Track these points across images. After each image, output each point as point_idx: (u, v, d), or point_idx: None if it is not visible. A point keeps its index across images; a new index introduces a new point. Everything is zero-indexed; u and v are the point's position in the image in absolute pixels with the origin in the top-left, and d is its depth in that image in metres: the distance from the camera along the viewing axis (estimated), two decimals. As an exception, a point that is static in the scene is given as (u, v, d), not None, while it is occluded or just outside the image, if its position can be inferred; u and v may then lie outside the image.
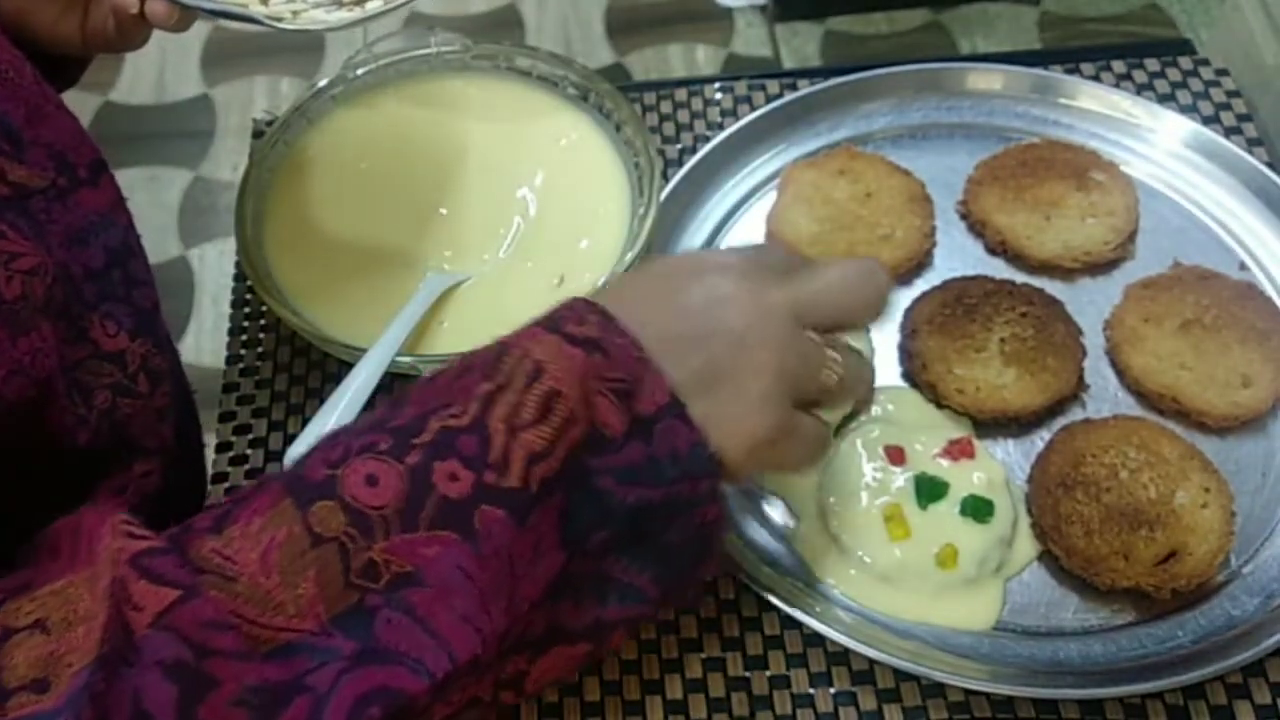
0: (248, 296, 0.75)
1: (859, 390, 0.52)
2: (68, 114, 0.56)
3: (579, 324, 0.45)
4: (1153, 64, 0.82)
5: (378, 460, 0.41)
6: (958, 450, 0.62)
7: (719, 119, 0.81)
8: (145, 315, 0.60)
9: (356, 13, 0.58)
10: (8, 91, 0.51)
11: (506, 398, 0.43)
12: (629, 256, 0.66)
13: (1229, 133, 0.78)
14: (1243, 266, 0.71)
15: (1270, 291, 0.70)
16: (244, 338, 0.73)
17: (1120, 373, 0.67)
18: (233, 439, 0.68)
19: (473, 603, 0.40)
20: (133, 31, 0.59)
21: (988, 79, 0.79)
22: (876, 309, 0.51)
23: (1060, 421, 0.65)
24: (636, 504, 0.44)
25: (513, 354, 0.44)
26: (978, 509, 0.59)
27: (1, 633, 0.37)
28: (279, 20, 0.57)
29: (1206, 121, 0.78)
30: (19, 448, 0.49)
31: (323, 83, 0.76)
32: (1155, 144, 0.76)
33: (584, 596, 0.45)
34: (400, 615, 0.39)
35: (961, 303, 0.67)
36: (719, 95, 0.82)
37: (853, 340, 0.65)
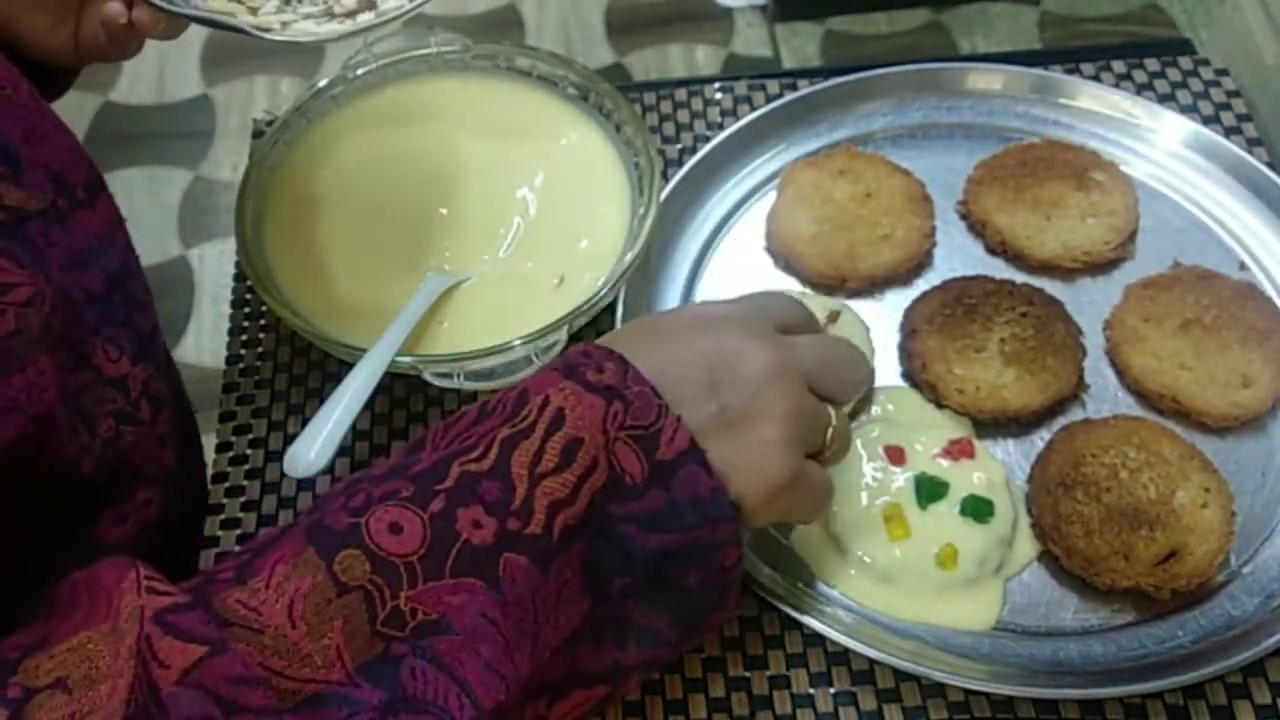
0: (248, 296, 0.75)
1: (846, 451, 0.53)
2: (65, 132, 0.56)
3: (598, 371, 0.45)
4: (1153, 64, 0.82)
5: (401, 507, 0.41)
6: (958, 450, 0.62)
7: (719, 119, 0.81)
8: (146, 339, 0.60)
9: (347, 25, 0.58)
10: (5, 110, 0.51)
11: (529, 444, 0.43)
12: (629, 256, 0.66)
13: (1229, 133, 0.78)
14: (1243, 266, 0.71)
15: (1270, 291, 0.70)
16: (244, 338, 0.73)
17: (1120, 373, 0.67)
18: (233, 439, 0.68)
19: (498, 651, 0.40)
20: (124, 40, 0.59)
21: (988, 79, 0.79)
22: (860, 391, 0.55)
23: (1060, 421, 0.65)
24: (658, 550, 0.44)
25: (534, 400, 0.44)
26: (978, 509, 0.59)
27: (22, 694, 0.36)
28: (266, 31, 0.57)
29: (1206, 121, 0.78)
30: (20, 480, 0.49)
31: (323, 83, 0.76)
32: (1155, 144, 0.76)
33: (603, 640, 0.45)
34: (426, 664, 0.39)
35: (961, 303, 0.67)
36: (719, 95, 0.82)
37: (853, 340, 0.65)
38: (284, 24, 0.57)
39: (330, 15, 0.58)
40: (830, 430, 0.51)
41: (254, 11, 0.58)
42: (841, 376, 0.52)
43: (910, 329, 0.68)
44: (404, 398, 0.69)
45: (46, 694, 0.36)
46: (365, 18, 0.57)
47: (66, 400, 0.51)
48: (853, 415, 0.65)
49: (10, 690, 0.36)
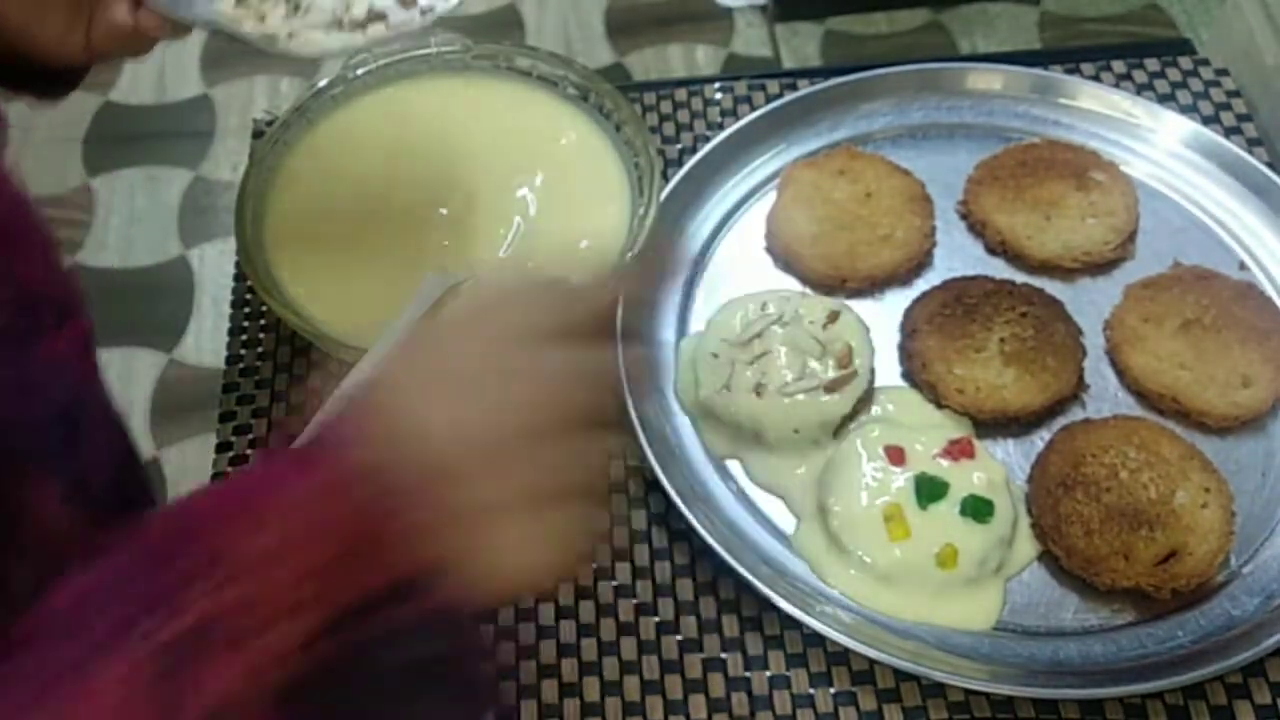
0: (248, 296, 0.75)
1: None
2: (48, 249, 0.52)
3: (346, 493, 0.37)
4: (1153, 64, 0.82)
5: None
6: (958, 450, 0.62)
7: (719, 119, 0.81)
8: (83, 484, 0.54)
9: (357, 36, 0.57)
10: None
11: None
12: (629, 256, 0.66)
13: (1229, 133, 0.78)
14: (1242, 266, 0.71)
15: (1270, 291, 0.70)
16: (244, 338, 0.73)
17: (1120, 373, 0.67)
18: (233, 439, 0.68)
19: None
20: (133, 44, 0.59)
21: (988, 79, 0.79)
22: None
23: (1060, 421, 0.65)
24: (405, 664, 0.39)
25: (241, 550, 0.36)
26: (978, 509, 0.59)
27: None
28: (273, 40, 0.56)
29: (1206, 121, 0.78)
30: None
31: (323, 83, 0.76)
32: (1155, 144, 0.76)
33: None
34: None
35: (961, 303, 0.67)
36: (719, 95, 0.82)
37: (853, 341, 0.65)
38: (290, 33, 0.57)
39: (339, 25, 0.57)
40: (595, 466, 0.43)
41: (262, 18, 0.57)
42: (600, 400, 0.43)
43: (910, 329, 0.68)
44: (404, 398, 0.69)
45: None
46: (376, 29, 0.57)
47: None
48: (852, 415, 0.65)
49: None
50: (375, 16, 0.57)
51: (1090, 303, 0.69)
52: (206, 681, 0.35)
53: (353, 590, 0.37)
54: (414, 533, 0.38)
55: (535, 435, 0.41)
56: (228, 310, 0.75)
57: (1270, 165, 0.74)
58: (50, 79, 0.58)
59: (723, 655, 0.59)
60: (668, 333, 0.70)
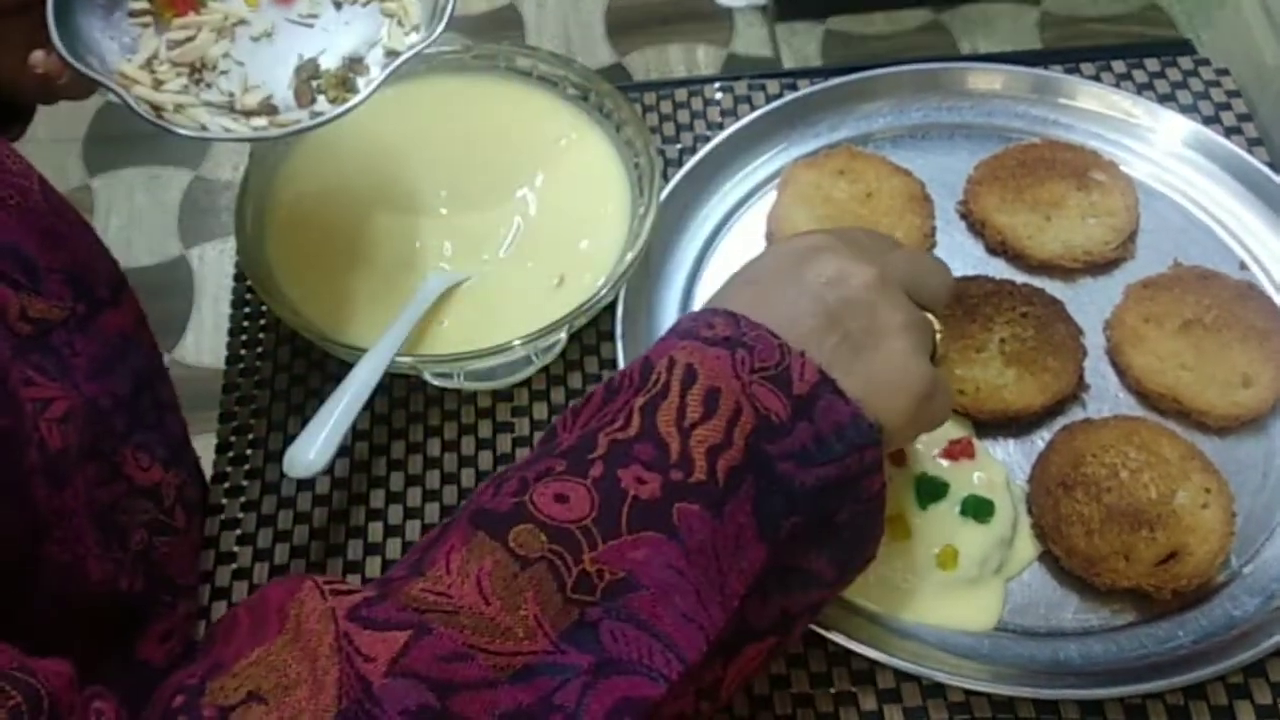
0: (248, 296, 0.75)
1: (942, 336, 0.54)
2: (84, 229, 0.55)
3: (709, 328, 0.45)
4: (1153, 64, 0.82)
5: (560, 481, 0.41)
6: (958, 450, 0.62)
7: (719, 119, 0.81)
8: (178, 443, 0.59)
9: (241, 125, 0.56)
10: (17, 219, 0.50)
11: (668, 403, 0.43)
12: (629, 256, 0.66)
13: (1229, 133, 0.78)
14: (1243, 266, 0.71)
15: (1270, 291, 0.70)
16: (244, 338, 0.73)
17: (1121, 373, 0.67)
18: (233, 439, 0.68)
19: (690, 600, 0.40)
20: (45, 90, 0.56)
21: (988, 79, 0.79)
22: (949, 289, 0.54)
23: (1060, 421, 0.65)
24: (816, 484, 0.44)
25: (659, 364, 0.44)
26: (978, 509, 0.59)
27: (217, 714, 0.36)
28: (159, 112, 0.54)
29: (1207, 121, 0.78)
30: (59, 599, 0.48)
31: (323, 83, 0.76)
32: (1155, 144, 0.76)
33: (769, 591, 0.44)
34: (623, 624, 0.39)
35: (962, 303, 0.67)
36: (719, 95, 0.82)
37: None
38: (178, 106, 0.55)
39: (230, 108, 0.56)
40: (936, 335, 0.51)
41: (159, 85, 0.56)
42: (933, 283, 0.52)
43: (910, 329, 0.68)
44: (404, 398, 0.69)
45: (242, 709, 0.36)
46: (259, 122, 0.56)
47: (99, 515, 0.51)
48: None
49: (205, 711, 0.36)
50: (268, 108, 0.56)
51: (1091, 303, 0.69)
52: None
53: (749, 411, 0.43)
54: (785, 357, 0.45)
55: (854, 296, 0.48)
56: (228, 310, 0.75)
57: (1271, 165, 0.74)
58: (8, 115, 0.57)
59: (723, 655, 0.59)
60: (668, 333, 0.70)
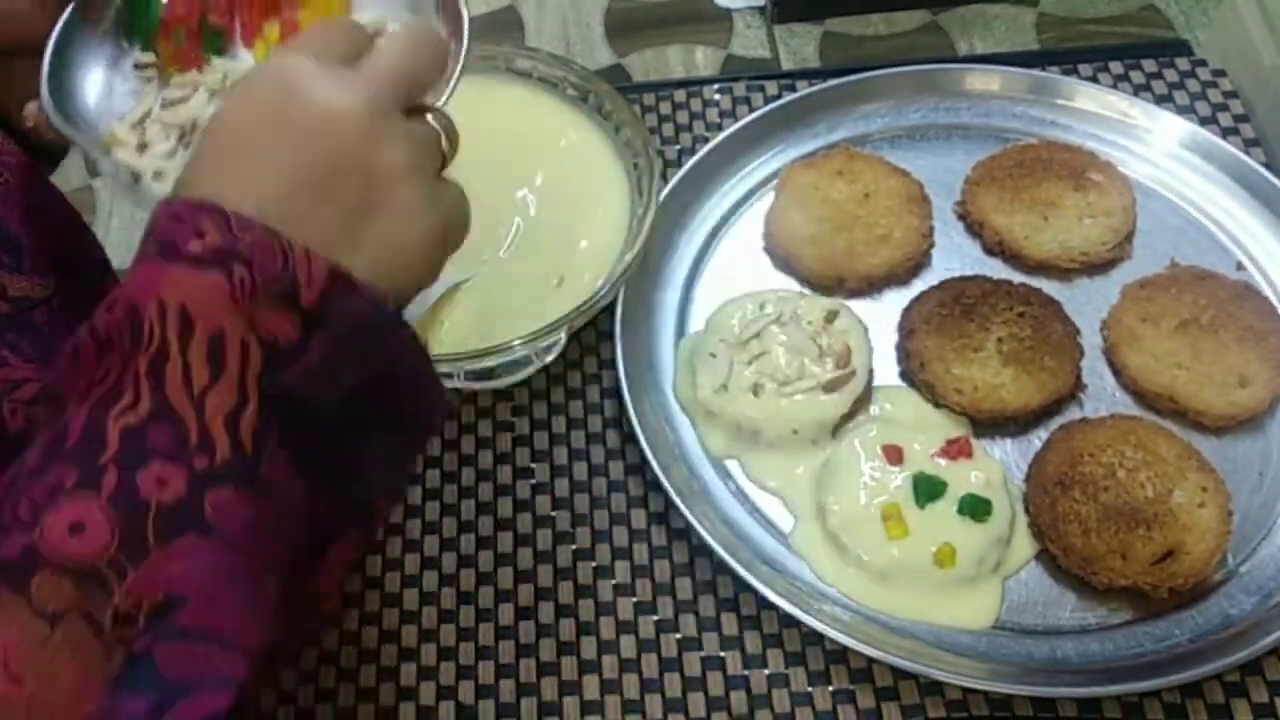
0: (248, 297, 0.75)
1: (457, 143, 0.49)
2: (68, 211, 0.54)
3: (198, 237, 0.38)
4: (1150, 65, 0.82)
5: (72, 502, 0.36)
6: (955, 449, 0.62)
7: (718, 120, 0.81)
8: None
9: None
10: (3, 196, 0.49)
11: (173, 367, 0.37)
12: (628, 257, 0.66)
13: (1226, 133, 0.78)
14: (1240, 266, 0.71)
15: (1267, 291, 0.70)
16: (244, 338, 0.73)
17: (1117, 372, 0.67)
18: (233, 439, 0.68)
19: (242, 590, 0.37)
20: (39, 140, 0.54)
21: (985, 80, 0.80)
22: (444, 66, 0.48)
23: (1058, 421, 0.65)
24: (347, 392, 0.40)
25: (149, 310, 0.38)
26: (975, 508, 0.60)
27: None
28: (137, 176, 0.52)
29: (1204, 122, 0.78)
30: None
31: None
32: (1152, 144, 0.76)
33: (333, 494, 0.41)
34: (175, 643, 0.35)
35: (959, 303, 0.67)
36: (718, 96, 0.82)
37: (851, 341, 0.65)
38: (157, 172, 0.52)
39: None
40: (444, 142, 0.46)
41: (144, 147, 0.53)
42: (427, 74, 0.46)
43: (908, 329, 0.68)
44: (404, 397, 0.69)
45: None
46: None
47: None
48: (851, 414, 0.65)
49: None
50: None
51: (1088, 302, 0.70)
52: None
53: (257, 347, 0.38)
54: (289, 262, 0.38)
55: (354, 144, 0.41)
56: (228, 310, 0.75)
57: (1267, 165, 0.74)
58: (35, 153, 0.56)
59: (721, 654, 0.59)
60: (666, 332, 0.70)
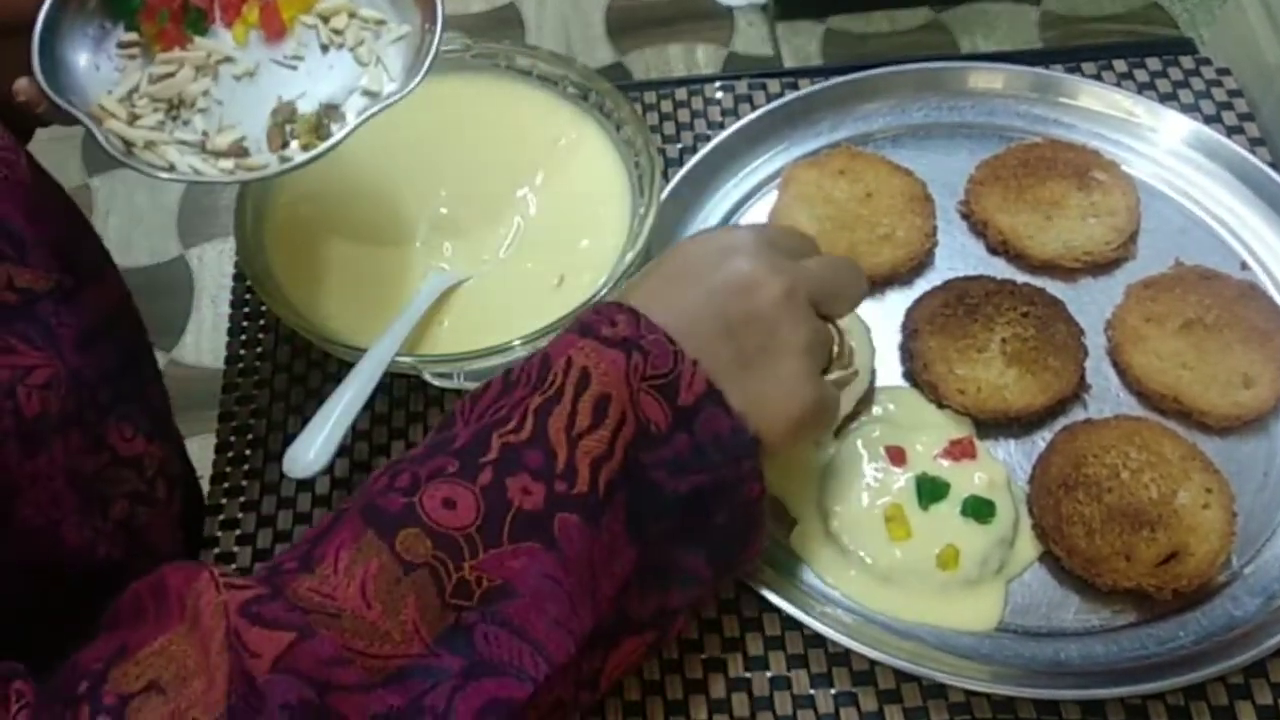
0: (247, 296, 0.75)
1: (854, 359, 0.56)
2: (69, 206, 0.55)
3: (611, 325, 0.46)
4: (1154, 63, 0.82)
5: (450, 484, 0.43)
6: (959, 450, 0.61)
7: (719, 118, 0.81)
8: (160, 416, 0.59)
9: (209, 167, 0.55)
10: (4, 192, 0.50)
11: (561, 408, 0.44)
12: (629, 256, 0.66)
13: (1231, 132, 0.78)
14: (1244, 266, 0.71)
15: (1272, 291, 0.69)
16: (244, 338, 0.73)
17: (1122, 373, 0.67)
18: (232, 439, 0.68)
19: (562, 607, 0.42)
20: (26, 114, 0.55)
21: (989, 78, 0.79)
22: (860, 301, 0.56)
23: (1061, 422, 0.65)
24: (689, 491, 0.46)
25: (557, 364, 0.45)
26: (979, 509, 0.59)
27: (118, 702, 0.37)
28: (129, 146, 0.54)
29: (1208, 121, 0.78)
30: (34, 564, 0.49)
31: (322, 82, 0.75)
32: (1157, 143, 0.76)
33: (647, 587, 0.46)
34: (497, 629, 0.41)
35: (963, 303, 0.67)
36: (719, 94, 0.82)
37: (854, 343, 0.65)
38: (149, 143, 0.55)
39: (202, 148, 0.56)
40: (835, 346, 0.54)
41: (134, 119, 0.55)
42: (844, 295, 0.54)
43: (911, 329, 0.68)
44: (404, 398, 0.69)
45: (142, 698, 0.37)
46: (226, 164, 0.55)
47: (81, 483, 0.51)
48: (853, 415, 0.65)
49: (106, 698, 0.37)
50: (238, 150, 0.56)
51: (1092, 303, 0.69)
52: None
53: (633, 421, 0.45)
54: (678, 365, 0.46)
55: (756, 312, 0.49)
56: (227, 310, 0.75)
57: (1272, 165, 0.74)
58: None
59: (723, 656, 0.59)
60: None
